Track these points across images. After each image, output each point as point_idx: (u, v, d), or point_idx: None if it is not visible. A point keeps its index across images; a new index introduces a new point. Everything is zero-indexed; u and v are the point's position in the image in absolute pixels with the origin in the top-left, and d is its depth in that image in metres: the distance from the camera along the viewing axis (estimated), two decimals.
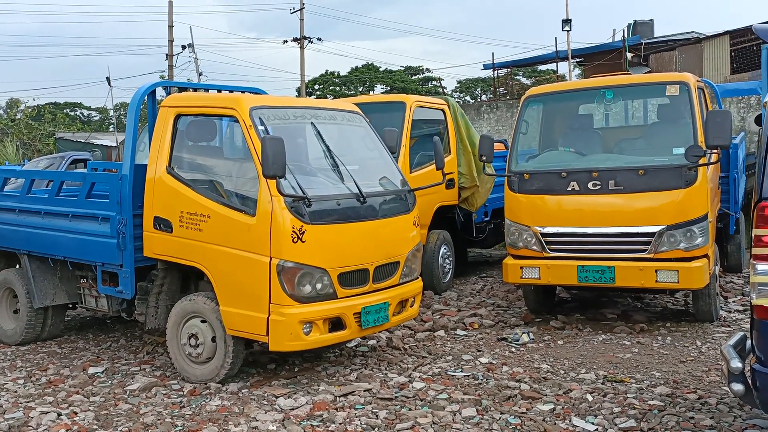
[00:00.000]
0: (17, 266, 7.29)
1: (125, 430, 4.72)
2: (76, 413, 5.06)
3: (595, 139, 7.73)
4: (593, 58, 26.62)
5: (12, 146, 26.66)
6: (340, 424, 4.71)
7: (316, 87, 46.54)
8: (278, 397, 5.26)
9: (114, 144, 27.93)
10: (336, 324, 5.41)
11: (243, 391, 5.44)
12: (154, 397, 5.38)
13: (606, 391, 5.25)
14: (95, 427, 4.80)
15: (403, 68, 49.36)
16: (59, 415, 5.02)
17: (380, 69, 49.18)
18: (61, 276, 6.98)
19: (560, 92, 7.89)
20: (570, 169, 7.01)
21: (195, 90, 6.96)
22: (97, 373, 6.08)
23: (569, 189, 6.90)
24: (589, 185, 6.81)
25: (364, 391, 5.34)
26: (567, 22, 25.09)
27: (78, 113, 56.57)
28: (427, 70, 50.00)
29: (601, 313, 7.82)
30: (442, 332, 7.20)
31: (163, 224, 5.71)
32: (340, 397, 5.23)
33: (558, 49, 27.02)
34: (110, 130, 42.02)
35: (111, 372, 6.11)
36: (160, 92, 6.82)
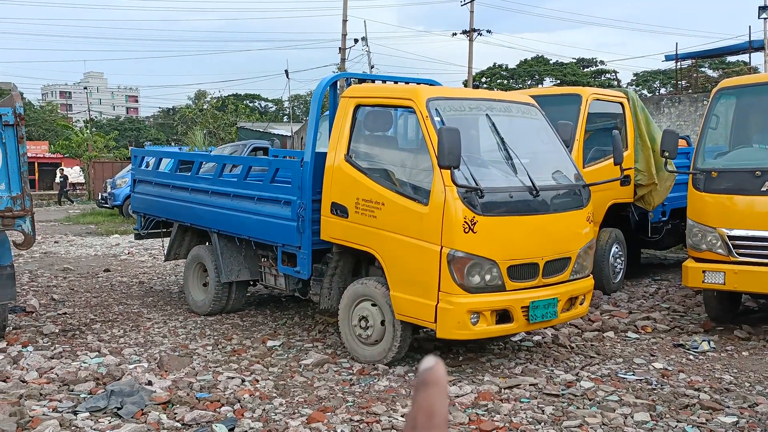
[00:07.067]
0: (207, 243, 7.96)
1: (301, 401, 5.02)
2: (257, 380, 5.47)
3: None
4: None
5: (200, 134, 29.03)
6: (505, 415, 4.70)
7: (483, 80, 46.22)
8: None
9: (288, 134, 29.52)
10: (503, 316, 5.39)
11: (409, 374, 5.58)
12: (326, 373, 5.68)
13: None
14: (275, 395, 5.16)
15: (574, 60, 47.65)
16: (243, 381, 5.45)
17: (550, 61, 47.86)
18: (245, 254, 7.53)
19: (757, 84, 7.26)
20: (765, 167, 6.45)
21: (372, 81, 7.19)
22: (274, 346, 6.51)
23: (763, 189, 6.35)
24: None
25: (530, 385, 5.29)
26: (765, 8, 22.82)
27: (256, 104, 60.45)
28: (601, 62, 47.94)
29: None
30: (611, 333, 6.93)
31: (339, 210, 5.98)
32: (504, 389, 5.21)
33: (752, 39, 24.76)
34: (284, 120, 44.46)
35: (287, 346, 6.52)
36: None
